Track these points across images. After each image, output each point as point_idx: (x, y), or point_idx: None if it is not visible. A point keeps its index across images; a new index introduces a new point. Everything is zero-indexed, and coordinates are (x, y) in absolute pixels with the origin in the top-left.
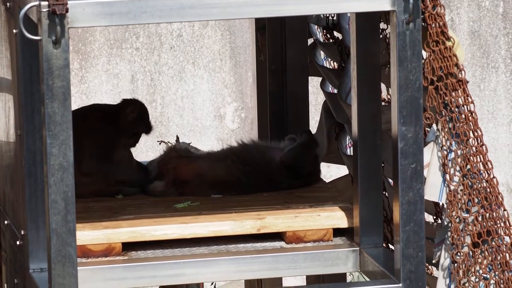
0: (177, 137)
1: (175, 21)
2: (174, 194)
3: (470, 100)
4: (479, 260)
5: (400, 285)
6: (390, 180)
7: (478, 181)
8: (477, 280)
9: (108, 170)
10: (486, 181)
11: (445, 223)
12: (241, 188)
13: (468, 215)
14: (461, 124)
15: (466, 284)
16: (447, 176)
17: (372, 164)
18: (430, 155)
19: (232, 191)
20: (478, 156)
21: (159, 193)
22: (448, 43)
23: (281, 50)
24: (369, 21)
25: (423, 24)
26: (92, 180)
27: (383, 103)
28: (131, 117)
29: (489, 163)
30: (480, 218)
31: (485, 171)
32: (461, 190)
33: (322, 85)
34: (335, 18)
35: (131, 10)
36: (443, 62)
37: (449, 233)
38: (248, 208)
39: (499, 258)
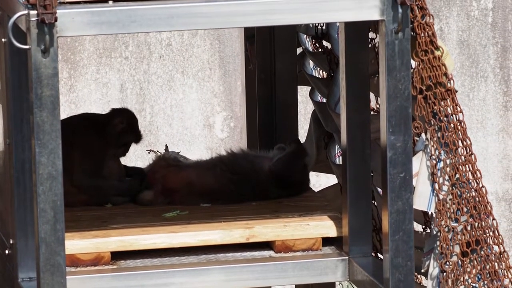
0: (166, 146)
1: (164, 30)
2: (163, 203)
3: (459, 109)
4: (468, 269)
5: None
6: (379, 189)
7: (467, 190)
8: None
9: (97, 182)
10: (475, 190)
11: (434, 232)
12: (230, 197)
13: (457, 224)
14: (450, 134)
15: None
16: (436, 185)
17: (361, 173)
18: (419, 164)
19: (221, 200)
20: (467, 165)
21: (147, 202)
22: (437, 53)
23: (270, 59)
24: (358, 30)
25: (412, 33)
26: (81, 190)
27: (372, 112)
28: (120, 128)
29: (478, 172)
30: (469, 227)
31: (474, 180)
32: (450, 199)
33: (311, 94)
34: (324, 27)
35: (120, 20)
36: (432, 72)
37: (438, 242)
38: (237, 217)
39: (488, 267)
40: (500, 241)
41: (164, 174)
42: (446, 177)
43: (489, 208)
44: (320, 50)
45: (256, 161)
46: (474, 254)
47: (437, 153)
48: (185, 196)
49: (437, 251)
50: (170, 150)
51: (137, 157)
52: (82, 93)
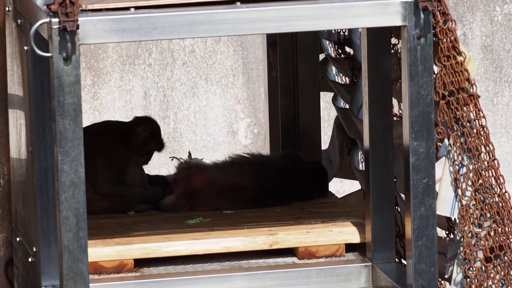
0: (190, 153)
1: (186, 37)
2: (185, 206)
3: (481, 114)
4: (492, 275)
5: None
6: (402, 195)
7: (490, 196)
8: None
9: (121, 189)
10: (498, 196)
11: (458, 238)
12: (250, 193)
13: (480, 229)
14: (472, 139)
15: None
16: (459, 191)
17: (384, 179)
18: (442, 170)
19: (242, 196)
20: (490, 171)
21: (170, 207)
22: (460, 58)
23: (293, 65)
24: (380, 36)
25: (434, 39)
26: (104, 197)
27: (394, 118)
28: (143, 136)
29: (501, 178)
30: (492, 233)
31: (497, 186)
32: (473, 204)
33: (334, 100)
34: (346, 33)
35: (142, 27)
36: (454, 77)
37: (461, 248)
38: (260, 224)
39: (511, 273)
40: None
41: (186, 174)
42: (469, 183)
43: None
44: (342, 56)
45: (268, 155)
46: (498, 260)
47: (460, 158)
48: (207, 197)
49: (460, 257)
50: (193, 157)
51: (160, 164)
52: (106, 100)
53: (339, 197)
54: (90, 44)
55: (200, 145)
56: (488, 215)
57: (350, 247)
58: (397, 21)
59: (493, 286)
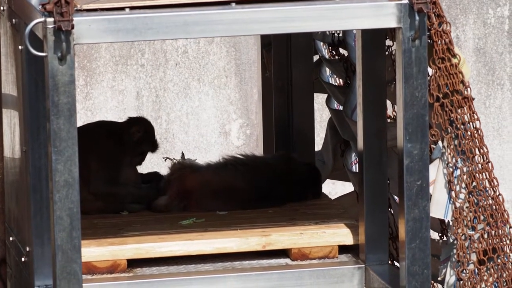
0: (182, 154)
1: (180, 38)
2: (178, 207)
3: (476, 117)
4: (485, 278)
5: None
6: (396, 197)
7: (483, 198)
8: None
9: (114, 189)
10: (492, 198)
11: (451, 240)
12: (244, 194)
13: (473, 232)
14: (467, 141)
15: None
16: (453, 193)
17: (377, 181)
18: (436, 172)
19: (236, 197)
20: (484, 173)
21: (163, 207)
22: (454, 60)
23: (287, 66)
24: (374, 38)
25: (429, 41)
26: (98, 197)
27: (388, 120)
28: (137, 137)
29: (495, 180)
30: (485, 235)
31: (491, 188)
32: (466, 207)
33: (328, 102)
34: (340, 35)
35: (136, 27)
36: (449, 79)
37: (454, 250)
38: (254, 225)
39: (504, 275)
40: None
41: (179, 175)
42: (463, 185)
43: (506, 216)
44: (336, 57)
45: (262, 156)
46: (491, 262)
47: (454, 161)
48: (200, 198)
49: (454, 259)
50: (186, 157)
51: (153, 164)
52: (98, 100)
53: (332, 199)
54: (85, 44)
55: (193, 145)
56: (482, 217)
57: (343, 249)
58: (392, 23)
59: None
